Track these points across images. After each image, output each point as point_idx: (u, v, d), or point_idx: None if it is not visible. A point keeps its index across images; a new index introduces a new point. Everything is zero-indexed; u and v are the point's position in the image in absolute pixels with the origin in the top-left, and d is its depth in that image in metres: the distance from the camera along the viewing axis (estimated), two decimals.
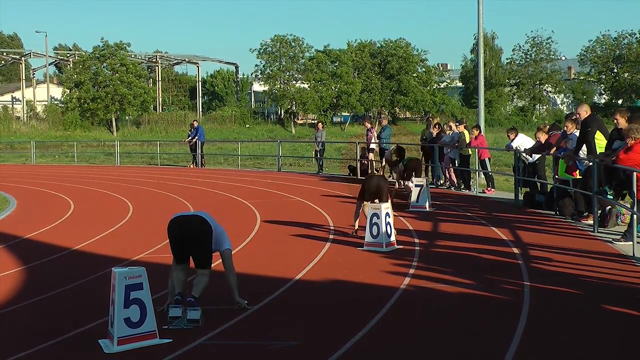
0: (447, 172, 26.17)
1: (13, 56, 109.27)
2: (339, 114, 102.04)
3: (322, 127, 34.94)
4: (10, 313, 10.46)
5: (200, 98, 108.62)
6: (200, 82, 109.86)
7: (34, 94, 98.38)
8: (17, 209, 22.68)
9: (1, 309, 10.63)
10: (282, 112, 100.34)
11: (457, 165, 25.35)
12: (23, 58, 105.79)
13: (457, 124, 25.90)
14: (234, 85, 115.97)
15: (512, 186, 22.39)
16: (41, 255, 14.76)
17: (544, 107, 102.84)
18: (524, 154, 21.01)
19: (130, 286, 8.41)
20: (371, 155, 30.60)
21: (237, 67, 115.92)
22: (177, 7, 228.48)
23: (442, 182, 26.51)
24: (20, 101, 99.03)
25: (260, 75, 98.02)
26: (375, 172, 30.34)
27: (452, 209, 20.21)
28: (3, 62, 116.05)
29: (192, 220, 9.62)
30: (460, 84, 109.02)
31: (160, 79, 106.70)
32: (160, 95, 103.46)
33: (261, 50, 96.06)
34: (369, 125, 31.83)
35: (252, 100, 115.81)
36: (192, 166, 39.65)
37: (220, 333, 9.04)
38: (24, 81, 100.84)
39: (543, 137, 20.29)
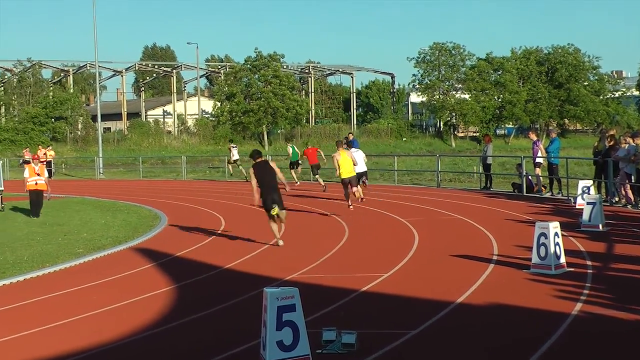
0: (622, 188, 25.38)
1: (165, 69, 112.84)
2: (502, 125, 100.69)
3: (490, 141, 34.56)
4: (161, 333, 10.77)
5: (355, 110, 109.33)
6: (354, 93, 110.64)
7: (184, 107, 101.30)
8: (168, 226, 23.40)
9: (152, 329, 10.97)
10: (441, 124, 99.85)
11: (633, 181, 24.55)
12: (174, 70, 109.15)
13: (633, 136, 25.08)
14: (389, 96, 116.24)
15: None
16: (192, 273, 15.17)
17: None
18: None
19: (283, 307, 8.47)
20: (538, 170, 29.99)
21: (393, 77, 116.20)
22: (330, 16, 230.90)
23: (617, 199, 25.72)
24: (172, 115, 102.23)
25: (417, 86, 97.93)
26: (543, 187, 29.74)
27: (628, 228, 19.57)
28: (155, 75, 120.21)
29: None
30: (636, 93, 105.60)
31: (313, 91, 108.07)
32: (313, 108, 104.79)
33: (419, 59, 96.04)
34: (535, 138, 31.18)
35: (409, 111, 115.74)
36: None
37: (376, 358, 9.03)
38: (175, 94, 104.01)
39: None
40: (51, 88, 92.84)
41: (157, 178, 51.71)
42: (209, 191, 36.71)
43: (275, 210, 17.88)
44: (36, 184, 27.21)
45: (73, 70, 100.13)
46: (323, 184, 34.33)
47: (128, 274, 15.50)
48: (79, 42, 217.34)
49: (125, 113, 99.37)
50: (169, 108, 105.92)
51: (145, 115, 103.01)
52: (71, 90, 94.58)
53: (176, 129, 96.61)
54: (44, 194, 27.75)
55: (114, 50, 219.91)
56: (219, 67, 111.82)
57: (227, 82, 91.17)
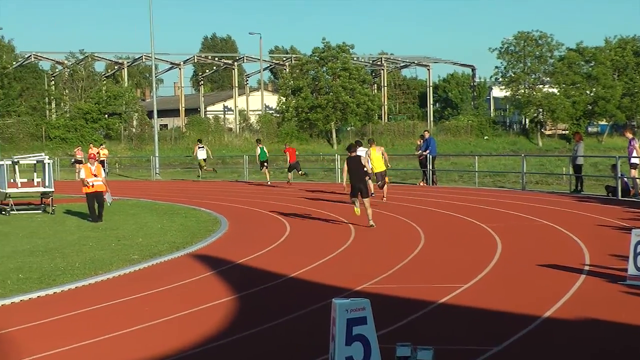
0: None
1: (225, 61, 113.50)
2: (595, 122, 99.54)
3: (581, 139, 34.27)
4: (221, 347, 10.81)
5: (431, 105, 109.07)
6: (431, 87, 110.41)
7: (247, 103, 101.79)
8: (228, 231, 23.55)
9: (211, 342, 11.02)
10: (527, 121, 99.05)
11: None
12: (236, 63, 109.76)
13: None
14: (470, 90, 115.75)
15: None
16: (255, 282, 15.23)
17: None
18: None
19: (353, 320, 8.43)
20: (633, 172, 29.60)
21: (473, 70, 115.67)
22: (404, 2, 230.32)
23: None
24: (233, 111, 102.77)
25: (501, 79, 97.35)
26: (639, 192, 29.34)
27: None
28: (215, 67, 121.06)
29: None
30: None
31: (386, 84, 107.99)
32: (386, 103, 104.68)
33: (502, 50, 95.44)
34: (630, 136, 30.84)
35: (492, 107, 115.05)
36: (422, 184, 39.82)
37: None
38: (236, 88, 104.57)
39: None
40: (104, 82, 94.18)
41: (218, 179, 52.06)
42: (273, 193, 36.86)
43: (357, 207, 22.92)
44: (93, 185, 27.35)
45: (127, 62, 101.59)
46: (291, 181, 42.07)
47: (186, 282, 15.61)
48: (133, 32, 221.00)
49: (183, 109, 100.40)
50: (229, 103, 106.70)
51: (205, 111, 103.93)
52: (125, 84, 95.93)
53: (238, 126, 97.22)
54: (104, 197, 27.85)
55: (171, 41, 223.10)
56: (284, 59, 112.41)
57: (292, 76, 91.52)
